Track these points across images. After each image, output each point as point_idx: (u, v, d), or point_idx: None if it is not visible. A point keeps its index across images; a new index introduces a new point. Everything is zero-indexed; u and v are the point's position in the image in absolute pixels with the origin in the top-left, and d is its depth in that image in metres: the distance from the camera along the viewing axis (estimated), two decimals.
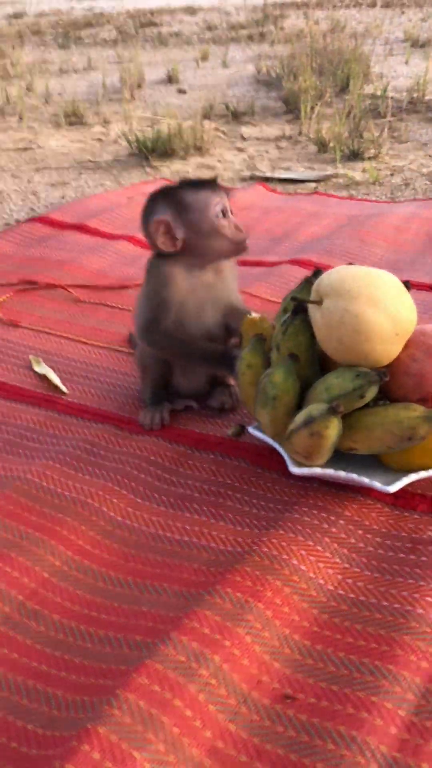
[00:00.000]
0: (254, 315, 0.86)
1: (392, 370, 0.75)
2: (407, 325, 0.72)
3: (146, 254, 0.94)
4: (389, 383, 0.76)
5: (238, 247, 0.89)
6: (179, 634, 0.61)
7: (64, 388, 1.03)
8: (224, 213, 0.88)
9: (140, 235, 0.94)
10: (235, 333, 0.91)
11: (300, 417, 0.74)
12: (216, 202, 0.87)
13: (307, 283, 0.79)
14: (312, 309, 0.75)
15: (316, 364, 0.79)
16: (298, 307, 0.76)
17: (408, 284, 0.81)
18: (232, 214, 0.89)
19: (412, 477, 0.77)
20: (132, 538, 0.76)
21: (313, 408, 0.73)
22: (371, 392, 0.73)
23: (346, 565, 0.70)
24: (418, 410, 0.73)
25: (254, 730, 0.56)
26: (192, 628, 0.62)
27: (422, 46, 3.98)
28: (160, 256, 0.90)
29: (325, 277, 0.73)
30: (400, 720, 0.55)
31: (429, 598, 0.65)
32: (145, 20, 6.02)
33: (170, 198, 0.88)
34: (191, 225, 0.87)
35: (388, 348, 0.72)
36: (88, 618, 0.67)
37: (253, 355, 0.82)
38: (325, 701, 0.58)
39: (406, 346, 0.75)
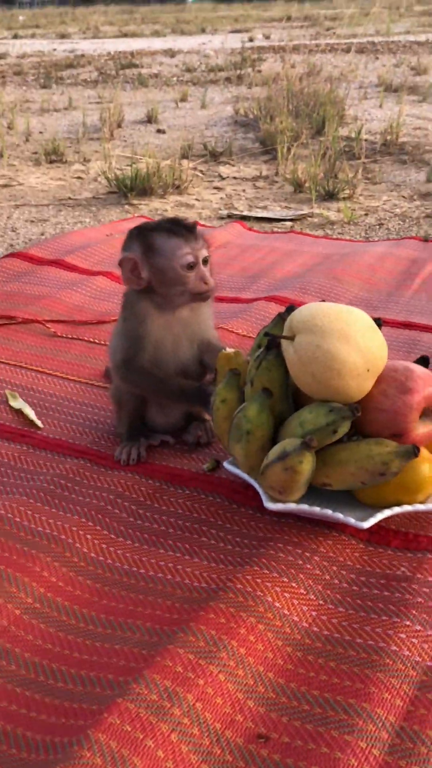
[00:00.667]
0: (229, 350, 0.87)
1: (364, 406, 0.76)
2: (378, 361, 0.74)
3: (123, 290, 0.95)
4: (362, 419, 0.77)
5: (198, 298, 0.89)
6: (151, 672, 0.60)
7: (39, 423, 1.02)
8: (191, 266, 0.87)
9: (118, 271, 0.95)
10: (211, 369, 0.92)
11: (274, 452, 0.75)
12: (184, 254, 0.86)
13: (280, 318, 0.80)
14: (285, 344, 0.76)
15: (289, 399, 0.80)
16: (271, 342, 0.77)
17: (379, 321, 0.82)
18: (204, 264, 0.88)
19: (386, 513, 0.77)
20: (105, 575, 0.75)
21: (287, 443, 0.74)
22: (344, 427, 0.73)
23: (321, 602, 0.70)
24: (390, 446, 0.74)
25: None
26: (164, 666, 0.61)
27: (395, 90, 4.09)
28: (136, 292, 0.91)
29: (297, 313, 0.74)
30: (374, 759, 0.55)
31: (402, 635, 0.65)
32: (126, 62, 6.14)
33: (143, 238, 0.88)
34: (156, 269, 0.87)
35: (360, 383, 0.73)
36: (59, 656, 0.66)
37: (228, 390, 0.83)
38: (299, 740, 0.57)
39: (378, 382, 0.76)
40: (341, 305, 0.75)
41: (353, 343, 0.72)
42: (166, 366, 0.91)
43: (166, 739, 0.56)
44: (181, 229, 0.88)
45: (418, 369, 0.77)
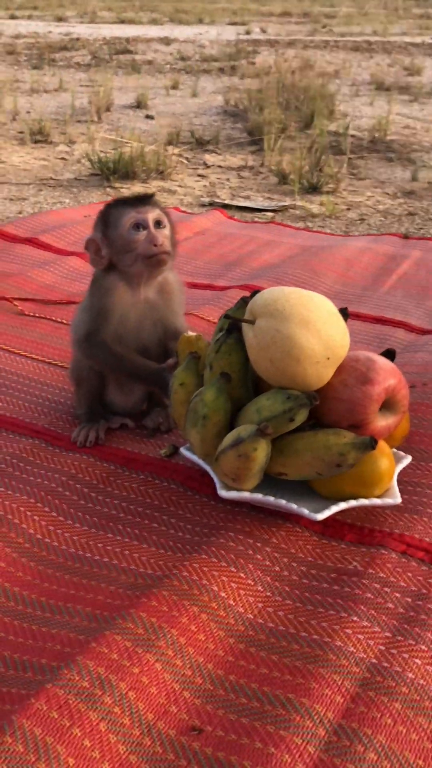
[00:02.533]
0: (190, 333, 0.84)
1: (323, 395, 0.74)
2: (339, 349, 0.72)
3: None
4: (320, 408, 0.75)
5: (152, 263, 0.87)
6: (85, 658, 0.58)
7: None
8: (138, 226, 0.86)
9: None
10: (172, 354, 0.90)
11: (228, 438, 0.73)
12: (129, 217, 0.86)
13: (244, 302, 0.78)
14: (245, 328, 0.74)
15: (249, 385, 0.78)
16: (231, 325, 0.75)
17: (345, 311, 0.80)
18: (156, 227, 0.87)
19: (342, 506, 0.75)
20: (49, 557, 0.73)
21: (242, 429, 0.72)
22: (301, 415, 0.71)
23: (269, 594, 0.68)
24: (348, 437, 0.72)
25: (156, 763, 0.53)
26: (99, 652, 0.59)
27: (387, 89, 4.08)
28: (104, 271, 0.89)
29: (259, 297, 0.72)
30: (309, 756, 0.53)
31: (349, 630, 0.63)
32: (121, 47, 6.08)
33: (101, 216, 0.89)
34: (110, 241, 0.87)
35: (319, 371, 0.71)
36: None
37: (187, 373, 0.81)
38: (233, 734, 0.55)
39: (338, 372, 0.74)
40: (304, 291, 0.73)
41: (314, 329, 0.70)
42: (127, 344, 0.89)
43: (95, 728, 0.53)
44: (131, 198, 0.88)
45: (381, 360, 0.76)
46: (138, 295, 0.89)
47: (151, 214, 0.86)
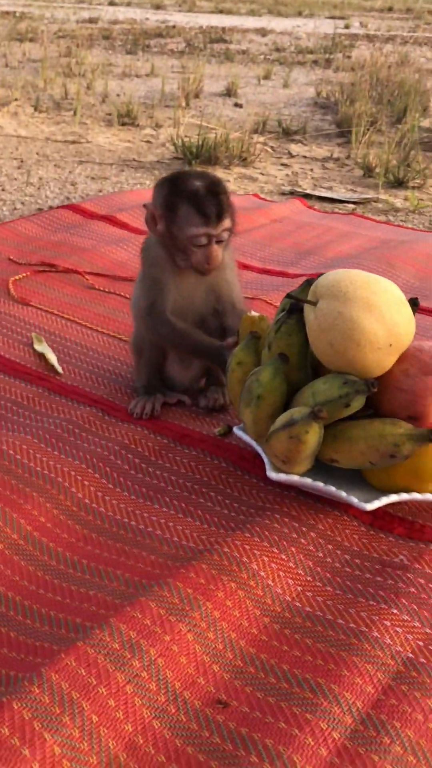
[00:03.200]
0: (254, 314, 0.83)
1: (383, 383, 0.72)
2: (403, 337, 0.69)
3: None
4: (378, 396, 0.73)
5: (199, 270, 0.87)
6: (118, 621, 0.58)
7: (59, 369, 1.01)
8: (202, 245, 0.85)
9: None
10: (234, 332, 0.89)
11: (281, 419, 0.72)
12: (197, 234, 0.84)
13: (308, 284, 0.77)
14: (307, 310, 0.72)
15: (307, 368, 0.77)
16: (293, 306, 0.74)
17: (416, 301, 0.78)
18: (218, 243, 0.85)
19: (393, 498, 0.73)
20: (95, 522, 0.74)
21: (296, 411, 0.71)
22: (358, 402, 0.70)
23: (309, 578, 0.67)
24: (404, 427, 0.70)
25: (178, 731, 0.53)
26: (132, 617, 0.59)
27: None
28: (153, 239, 0.90)
29: (323, 278, 0.71)
30: (333, 742, 0.52)
31: (387, 622, 0.62)
32: (216, 36, 6.09)
33: (169, 197, 0.85)
34: (169, 230, 0.85)
35: (380, 358, 0.69)
36: (32, 594, 0.65)
37: (245, 352, 0.80)
38: (258, 712, 0.54)
39: (401, 360, 0.72)
40: (372, 274, 0.71)
41: (377, 313, 0.68)
42: (184, 315, 0.89)
43: (121, 689, 0.54)
44: (207, 207, 0.83)
45: None
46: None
47: (217, 231, 0.84)
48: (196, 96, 3.42)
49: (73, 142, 2.53)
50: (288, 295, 0.73)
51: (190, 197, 0.84)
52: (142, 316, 0.90)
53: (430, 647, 0.60)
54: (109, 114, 2.95)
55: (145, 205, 0.88)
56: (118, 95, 3.40)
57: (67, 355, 1.06)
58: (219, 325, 0.90)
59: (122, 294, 1.27)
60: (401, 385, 0.72)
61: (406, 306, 0.71)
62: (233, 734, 0.53)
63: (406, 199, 2.03)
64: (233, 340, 0.86)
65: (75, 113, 2.90)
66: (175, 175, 0.87)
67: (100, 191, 1.98)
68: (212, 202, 0.84)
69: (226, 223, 0.85)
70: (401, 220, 1.87)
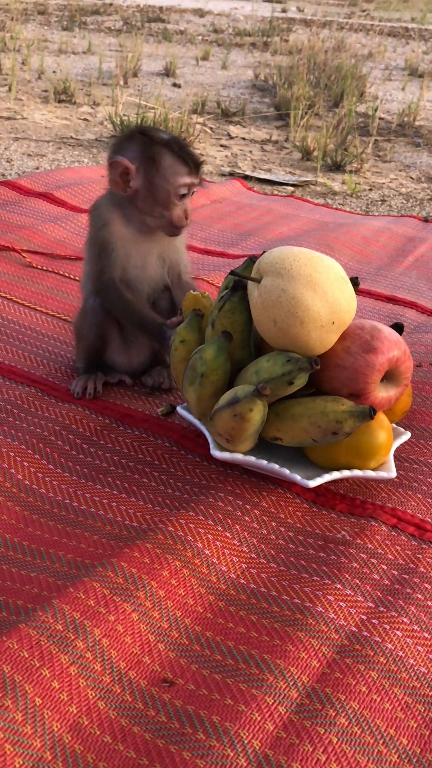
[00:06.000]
0: (196, 291, 0.83)
1: (325, 361, 0.73)
2: (345, 314, 0.70)
3: None
4: (321, 374, 0.73)
5: (171, 231, 0.85)
6: (61, 602, 0.57)
7: None
8: (184, 196, 0.84)
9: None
10: (179, 309, 0.88)
11: (225, 397, 0.71)
12: (183, 183, 0.83)
13: (251, 261, 0.76)
14: (251, 287, 0.72)
15: (251, 346, 0.77)
16: (237, 283, 0.73)
17: (356, 280, 0.79)
18: (190, 196, 0.85)
19: (335, 475, 0.74)
20: (35, 504, 0.72)
21: (239, 389, 0.70)
22: (301, 379, 0.70)
23: (253, 555, 0.67)
24: (346, 404, 0.70)
25: (124, 710, 0.52)
26: (76, 597, 0.58)
27: (420, 75, 4.01)
28: (104, 200, 0.87)
29: (267, 255, 0.70)
30: (279, 717, 0.52)
31: (331, 597, 0.62)
32: (153, 15, 6.01)
33: (147, 147, 0.82)
34: (149, 185, 0.82)
35: (322, 336, 0.70)
36: None
37: (189, 330, 0.79)
38: (204, 689, 0.54)
39: (342, 338, 0.72)
40: (315, 252, 0.71)
41: (320, 291, 0.68)
42: (137, 284, 0.87)
43: (65, 670, 0.53)
44: (189, 158, 0.83)
45: (386, 330, 0.74)
46: (138, 230, 0.87)
47: (198, 181, 0.84)
48: (134, 75, 3.37)
49: (8, 118, 2.46)
50: (232, 272, 0.72)
51: (170, 147, 0.82)
52: (92, 280, 0.88)
53: (373, 621, 0.61)
54: (46, 91, 2.88)
55: (112, 162, 0.83)
56: (54, 72, 3.32)
57: (3, 334, 1.03)
58: (169, 305, 0.89)
59: (61, 272, 1.24)
60: (343, 362, 0.72)
61: (348, 284, 0.72)
62: (180, 712, 0.52)
63: (343, 182, 2.05)
64: (177, 320, 0.85)
65: (10, 89, 2.82)
66: (139, 128, 0.85)
67: (37, 168, 1.93)
68: (190, 151, 0.83)
69: (201, 174, 0.84)
70: (339, 204, 1.89)
